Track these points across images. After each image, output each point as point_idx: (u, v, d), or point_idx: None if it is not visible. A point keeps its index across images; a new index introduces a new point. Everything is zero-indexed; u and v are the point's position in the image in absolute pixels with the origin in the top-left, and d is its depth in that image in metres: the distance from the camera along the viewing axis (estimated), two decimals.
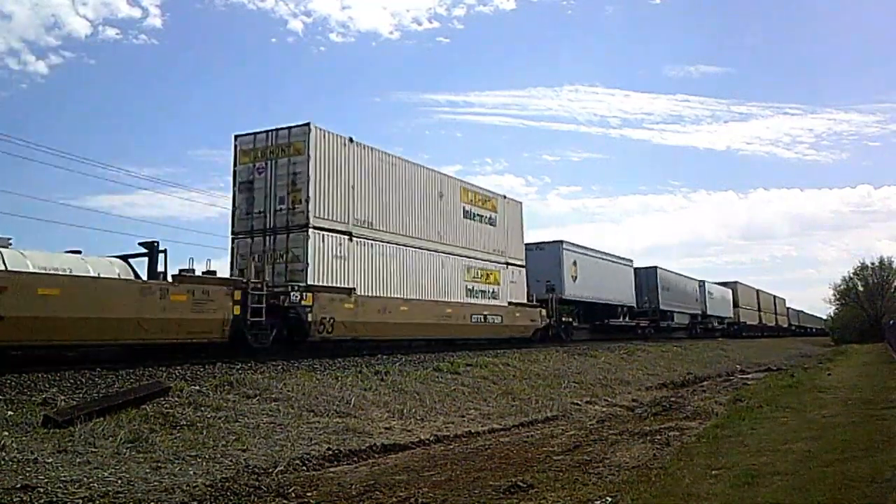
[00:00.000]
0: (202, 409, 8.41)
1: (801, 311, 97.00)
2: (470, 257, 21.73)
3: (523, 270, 25.34)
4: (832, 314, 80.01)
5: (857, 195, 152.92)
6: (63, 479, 5.56)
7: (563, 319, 27.96)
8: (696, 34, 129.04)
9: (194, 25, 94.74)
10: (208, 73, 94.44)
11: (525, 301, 25.00)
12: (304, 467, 6.86)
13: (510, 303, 23.72)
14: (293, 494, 5.61)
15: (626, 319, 35.51)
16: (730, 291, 56.73)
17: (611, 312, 33.88)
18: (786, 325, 80.00)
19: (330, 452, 7.50)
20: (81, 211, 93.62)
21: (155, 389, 8.63)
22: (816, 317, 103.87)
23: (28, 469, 5.74)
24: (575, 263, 30.10)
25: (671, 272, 42.78)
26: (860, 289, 71.06)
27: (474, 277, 21.90)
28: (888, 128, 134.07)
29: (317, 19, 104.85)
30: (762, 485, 5.37)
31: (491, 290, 22.76)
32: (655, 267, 39.57)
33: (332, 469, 6.86)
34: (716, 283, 52.91)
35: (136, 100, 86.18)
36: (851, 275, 72.54)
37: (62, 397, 8.18)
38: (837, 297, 74.25)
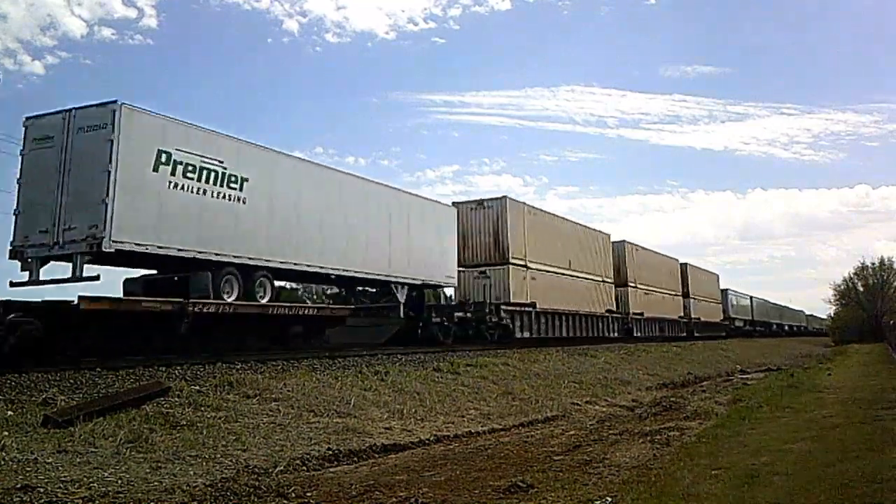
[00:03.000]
0: (202, 409, 8.41)
1: (761, 299, 67.50)
2: None
3: None
4: (832, 314, 79.81)
5: (856, 195, 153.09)
6: (63, 479, 5.55)
7: None
8: (692, 34, 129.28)
9: (190, 26, 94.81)
10: (205, 73, 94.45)
11: None
12: (304, 467, 6.87)
13: None
14: (293, 494, 5.61)
15: None
16: (450, 212, 21.55)
17: None
18: (718, 320, 50.59)
19: (330, 452, 7.51)
20: None
21: (155, 389, 8.63)
22: (790, 308, 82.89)
23: (28, 469, 5.73)
24: None
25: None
26: (860, 289, 71.16)
27: None
28: (885, 128, 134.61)
29: (312, 20, 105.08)
30: (762, 485, 5.37)
31: None
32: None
33: (332, 469, 6.87)
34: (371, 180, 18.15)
35: (133, 99, 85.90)
36: (851, 275, 72.66)
37: (62, 397, 8.16)
38: (837, 297, 74.34)
